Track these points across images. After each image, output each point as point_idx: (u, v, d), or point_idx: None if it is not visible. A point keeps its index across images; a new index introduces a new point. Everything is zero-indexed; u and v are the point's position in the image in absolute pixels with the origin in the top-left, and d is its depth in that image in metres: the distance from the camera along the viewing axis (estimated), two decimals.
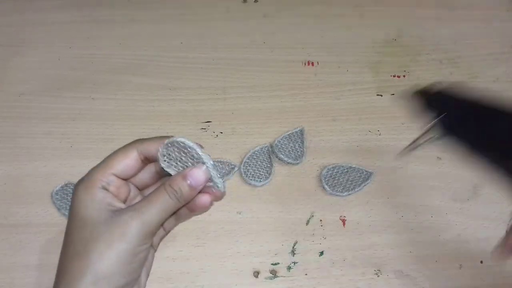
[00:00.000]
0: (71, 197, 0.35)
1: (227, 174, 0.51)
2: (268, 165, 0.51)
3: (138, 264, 0.33)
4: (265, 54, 0.61)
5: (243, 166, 0.51)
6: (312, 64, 0.61)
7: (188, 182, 0.36)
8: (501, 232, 0.48)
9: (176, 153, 0.37)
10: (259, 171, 0.51)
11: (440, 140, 0.38)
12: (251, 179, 0.50)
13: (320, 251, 0.46)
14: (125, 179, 0.37)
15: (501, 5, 0.68)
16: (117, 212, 0.33)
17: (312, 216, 0.49)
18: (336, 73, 0.60)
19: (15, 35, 0.63)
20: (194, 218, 0.48)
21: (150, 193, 0.35)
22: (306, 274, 0.45)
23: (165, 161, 0.37)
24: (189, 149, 0.37)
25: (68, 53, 0.61)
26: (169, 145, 0.37)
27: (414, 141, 0.39)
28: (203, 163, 0.37)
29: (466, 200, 0.50)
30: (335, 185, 0.50)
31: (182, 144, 0.36)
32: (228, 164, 0.51)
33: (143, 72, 0.59)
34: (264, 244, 0.46)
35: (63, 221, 0.47)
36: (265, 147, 0.52)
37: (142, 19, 0.65)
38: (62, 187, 0.49)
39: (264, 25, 0.65)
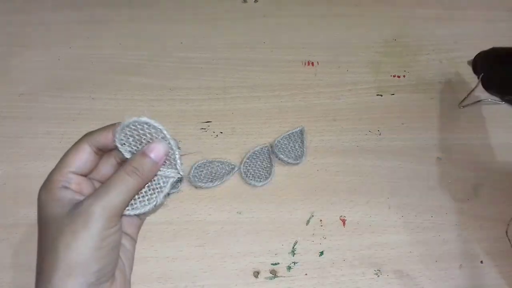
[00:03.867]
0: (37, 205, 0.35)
1: (227, 174, 0.51)
2: (268, 165, 0.51)
3: (110, 248, 0.33)
4: (265, 54, 0.61)
5: (243, 166, 0.51)
6: (312, 64, 0.61)
7: (150, 157, 0.36)
8: (501, 232, 0.48)
9: (133, 136, 0.36)
10: (259, 171, 0.51)
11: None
12: (251, 179, 0.50)
13: (320, 251, 0.46)
14: (85, 175, 0.37)
15: (501, 5, 0.68)
16: (78, 203, 0.34)
17: (312, 216, 0.49)
18: (336, 73, 0.60)
19: (15, 35, 0.63)
20: (194, 218, 0.48)
21: (109, 177, 0.35)
22: (306, 274, 0.45)
23: (123, 144, 0.36)
24: (145, 126, 0.36)
25: (68, 53, 0.61)
26: (125, 128, 0.36)
27: (468, 94, 0.55)
28: (163, 137, 0.36)
29: (466, 200, 0.50)
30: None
31: (137, 125, 0.36)
32: (228, 164, 0.51)
33: (143, 72, 0.59)
34: (264, 244, 0.46)
35: None
36: (265, 147, 0.52)
37: (142, 19, 0.65)
38: None
39: (264, 25, 0.65)
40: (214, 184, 0.50)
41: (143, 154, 0.36)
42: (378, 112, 0.56)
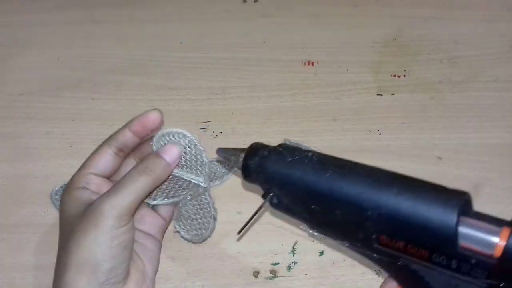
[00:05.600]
0: None
1: (227, 174, 0.50)
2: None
3: (121, 248, 0.33)
4: (265, 54, 0.61)
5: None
6: (312, 64, 0.61)
7: (163, 158, 0.37)
8: None
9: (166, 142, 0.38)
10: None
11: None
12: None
13: (320, 251, 0.46)
14: (108, 177, 0.38)
15: (501, 5, 0.68)
16: (91, 202, 0.34)
17: None
18: (336, 73, 0.60)
19: (15, 35, 0.63)
20: None
21: (122, 177, 0.36)
22: (306, 274, 0.45)
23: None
24: (181, 135, 0.38)
25: (68, 53, 0.61)
26: (162, 137, 0.38)
27: (248, 221, 0.38)
28: (195, 146, 0.38)
29: None
30: None
31: (171, 135, 0.38)
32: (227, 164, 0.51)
33: (143, 72, 0.59)
34: (264, 244, 0.46)
35: None
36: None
37: (142, 19, 0.65)
38: (61, 187, 0.49)
39: (264, 25, 0.65)
40: (214, 184, 0.50)
41: (157, 155, 0.37)
42: (378, 112, 0.56)
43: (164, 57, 0.61)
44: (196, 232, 0.40)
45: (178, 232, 0.41)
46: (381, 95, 0.58)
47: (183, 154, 0.38)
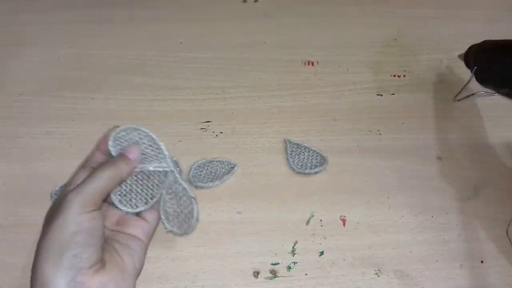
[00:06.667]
0: None
1: (227, 174, 0.51)
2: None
3: (86, 234, 0.34)
4: (265, 54, 0.61)
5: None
6: (312, 64, 0.61)
7: (126, 155, 0.39)
8: (502, 232, 0.48)
9: (124, 142, 0.40)
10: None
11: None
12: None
13: (320, 251, 0.46)
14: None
15: (501, 5, 0.68)
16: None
17: (312, 216, 0.49)
18: (336, 73, 0.60)
19: (15, 35, 0.63)
20: None
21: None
22: (306, 274, 0.45)
23: (115, 147, 0.40)
24: (136, 132, 0.40)
25: (68, 53, 0.61)
26: (117, 136, 0.39)
27: (463, 88, 0.56)
28: (151, 139, 0.40)
29: (466, 199, 0.50)
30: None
31: (126, 132, 0.39)
32: (227, 164, 0.51)
33: (143, 72, 0.59)
34: (264, 244, 0.46)
35: None
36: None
37: (142, 19, 0.65)
38: (61, 187, 0.49)
39: (264, 25, 0.65)
40: (214, 184, 0.50)
41: (121, 154, 0.40)
42: (378, 112, 0.56)
43: (164, 57, 0.61)
44: (187, 223, 0.40)
45: (171, 231, 0.41)
46: (381, 95, 0.58)
47: (143, 150, 0.39)
